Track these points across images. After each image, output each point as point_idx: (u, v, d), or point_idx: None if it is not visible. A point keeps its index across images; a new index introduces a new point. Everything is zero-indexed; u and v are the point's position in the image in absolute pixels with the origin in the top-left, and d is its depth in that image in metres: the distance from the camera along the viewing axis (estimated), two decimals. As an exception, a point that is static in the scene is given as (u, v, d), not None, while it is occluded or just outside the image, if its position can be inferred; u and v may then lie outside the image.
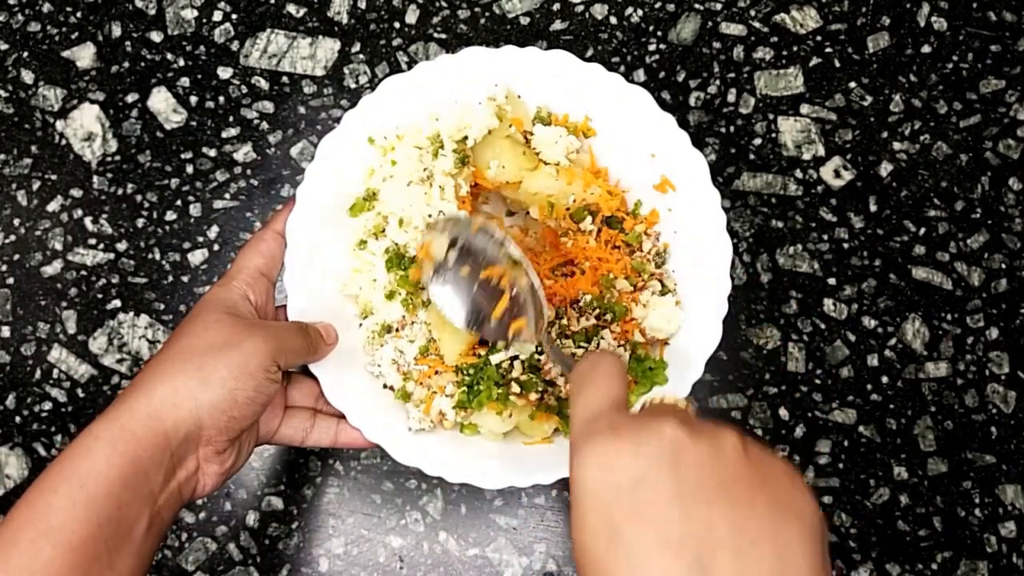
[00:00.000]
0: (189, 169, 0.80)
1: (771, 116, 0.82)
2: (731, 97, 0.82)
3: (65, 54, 0.82)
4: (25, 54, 0.82)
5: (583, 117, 0.70)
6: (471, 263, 0.61)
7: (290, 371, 0.65)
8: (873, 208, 0.80)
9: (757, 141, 0.81)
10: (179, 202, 0.80)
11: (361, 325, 0.66)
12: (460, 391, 0.64)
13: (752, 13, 0.84)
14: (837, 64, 0.83)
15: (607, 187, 0.69)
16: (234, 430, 0.55)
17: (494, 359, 0.63)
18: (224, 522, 0.74)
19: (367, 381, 0.66)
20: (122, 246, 0.79)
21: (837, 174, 0.81)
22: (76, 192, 0.80)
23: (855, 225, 0.80)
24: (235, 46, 0.82)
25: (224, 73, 0.82)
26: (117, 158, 0.80)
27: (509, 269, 0.60)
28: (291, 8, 0.83)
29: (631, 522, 0.38)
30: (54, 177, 0.80)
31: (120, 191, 0.80)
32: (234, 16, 0.83)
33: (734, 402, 0.77)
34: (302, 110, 0.81)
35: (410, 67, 0.70)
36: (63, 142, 0.81)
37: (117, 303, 0.78)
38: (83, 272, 0.78)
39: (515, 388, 0.63)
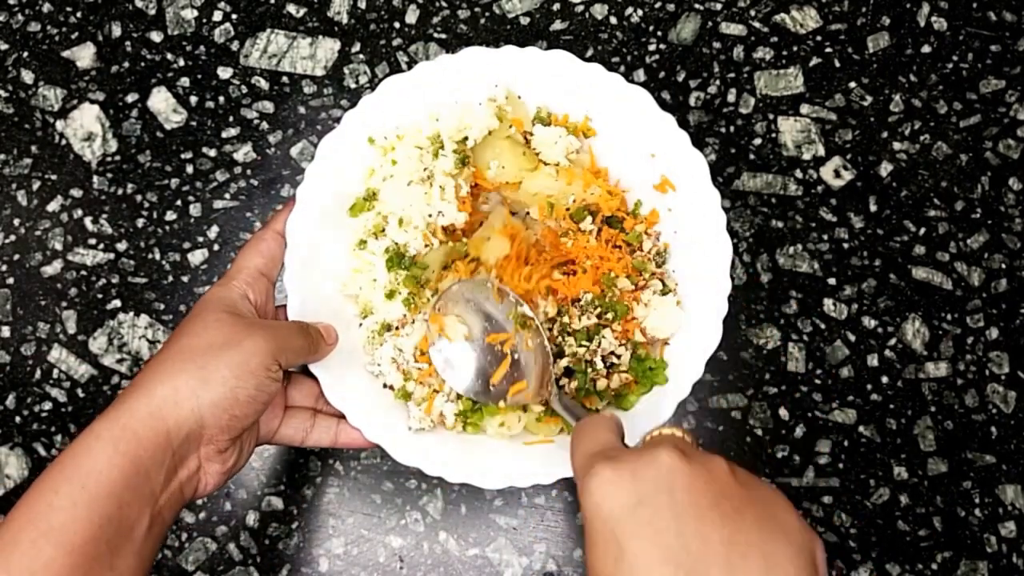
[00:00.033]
0: (189, 169, 0.80)
1: (771, 116, 0.82)
2: (731, 97, 0.82)
3: (65, 54, 0.82)
4: (25, 54, 0.82)
5: (583, 117, 0.70)
6: (480, 327, 0.63)
7: (290, 371, 0.65)
8: (873, 208, 0.80)
9: (757, 141, 0.81)
10: (179, 202, 0.80)
11: (361, 325, 0.66)
12: (464, 401, 0.64)
13: (752, 13, 0.84)
14: (837, 64, 0.83)
15: (607, 187, 0.69)
16: (235, 429, 0.55)
17: (489, 430, 0.65)
18: (224, 522, 0.74)
19: (367, 381, 0.66)
20: (122, 246, 0.79)
21: (837, 174, 0.81)
22: (76, 192, 0.80)
23: (855, 225, 0.80)
24: (235, 46, 0.82)
25: (224, 73, 0.82)
26: (117, 158, 0.80)
27: (516, 331, 0.63)
28: (291, 8, 0.83)
29: (634, 540, 0.42)
30: (54, 177, 0.80)
31: (120, 191, 0.80)
32: (234, 16, 0.83)
33: (734, 402, 0.77)
34: (302, 110, 0.81)
35: (410, 67, 0.70)
36: (63, 142, 0.81)
37: (117, 303, 0.78)
38: (83, 272, 0.78)
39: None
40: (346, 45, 0.83)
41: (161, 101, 0.81)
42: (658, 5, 0.84)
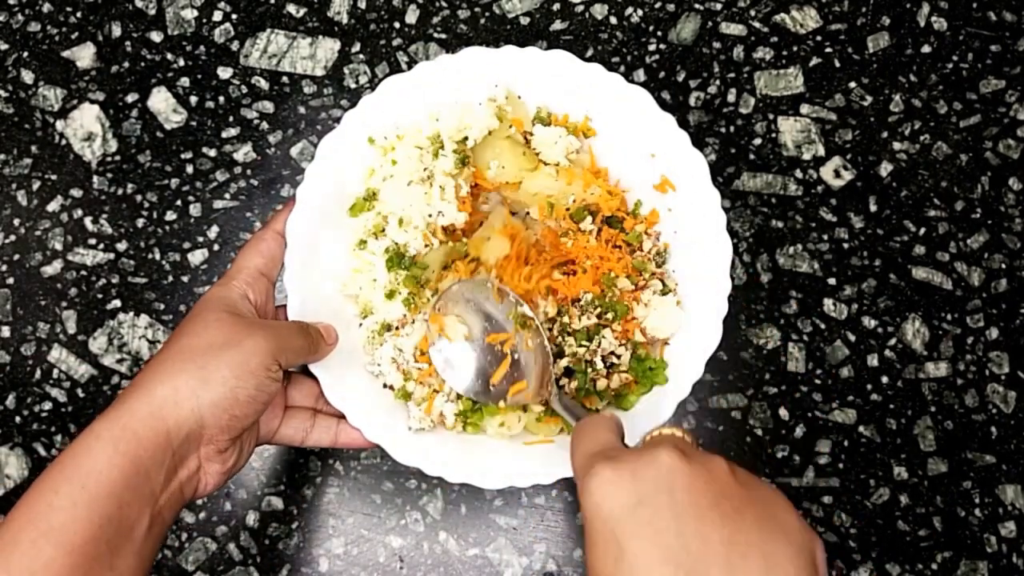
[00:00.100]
0: (189, 169, 0.80)
1: (771, 116, 0.82)
2: (731, 97, 0.82)
3: (65, 54, 0.82)
4: (25, 54, 0.82)
5: (583, 117, 0.70)
6: (480, 327, 0.63)
7: (290, 371, 0.65)
8: (873, 208, 0.80)
9: (757, 141, 0.81)
10: (179, 202, 0.80)
11: (361, 325, 0.66)
12: (464, 401, 0.64)
13: (752, 13, 0.84)
14: (837, 64, 0.83)
15: (607, 187, 0.69)
16: (236, 429, 0.55)
17: (489, 430, 0.65)
18: (224, 522, 0.74)
19: (367, 381, 0.66)
20: (122, 246, 0.79)
21: (837, 174, 0.81)
22: (76, 192, 0.80)
23: (855, 225, 0.80)
24: (235, 46, 0.82)
25: (224, 73, 0.82)
26: (117, 158, 0.80)
27: (516, 331, 0.63)
28: (291, 8, 0.83)
29: (634, 540, 0.42)
30: (54, 177, 0.80)
31: (120, 191, 0.80)
32: (234, 16, 0.83)
33: (734, 402, 0.77)
34: (302, 110, 0.81)
35: (410, 67, 0.70)
36: (63, 142, 0.81)
37: (117, 303, 0.78)
38: (83, 272, 0.78)
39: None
40: (346, 45, 0.83)
41: (161, 101, 0.81)
42: (658, 5, 0.84)
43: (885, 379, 0.77)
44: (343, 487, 0.75)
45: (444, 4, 0.83)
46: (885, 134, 0.82)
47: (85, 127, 0.81)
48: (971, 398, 0.77)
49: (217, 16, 0.83)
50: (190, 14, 0.83)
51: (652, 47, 0.83)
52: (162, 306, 0.78)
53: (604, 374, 0.65)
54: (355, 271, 0.67)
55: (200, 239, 0.79)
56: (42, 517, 0.48)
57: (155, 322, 0.78)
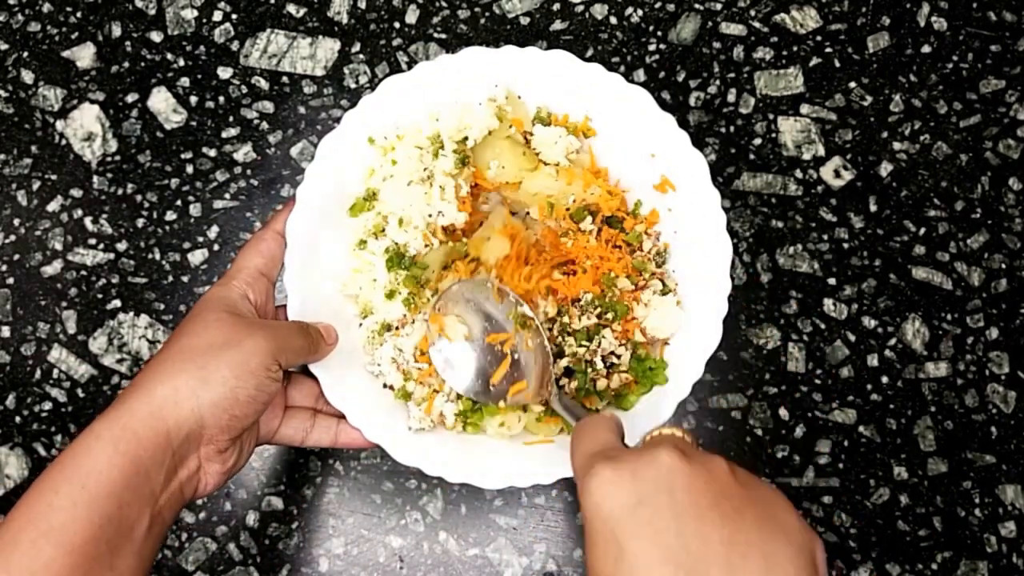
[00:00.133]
0: (189, 169, 0.80)
1: (771, 116, 0.82)
2: (731, 97, 0.82)
3: (65, 54, 0.82)
4: (25, 54, 0.82)
5: (583, 117, 0.70)
6: (480, 327, 0.64)
7: (290, 371, 0.65)
8: (873, 208, 0.80)
9: (757, 141, 0.81)
10: (179, 202, 0.80)
11: (361, 325, 0.66)
12: (464, 401, 0.64)
13: (752, 13, 0.84)
14: (837, 64, 0.83)
15: (607, 187, 0.69)
16: (236, 429, 0.55)
17: (489, 430, 0.65)
18: (224, 522, 0.74)
19: (367, 381, 0.66)
20: (122, 246, 0.79)
21: (837, 174, 0.81)
22: (76, 192, 0.80)
23: (855, 225, 0.80)
24: (235, 46, 0.82)
25: (224, 73, 0.82)
26: (117, 158, 0.80)
27: (516, 331, 0.63)
28: (291, 8, 0.83)
29: (634, 540, 0.42)
30: (54, 177, 0.80)
31: (120, 191, 0.80)
32: (234, 16, 0.83)
33: (734, 402, 0.77)
34: (302, 110, 0.81)
35: (410, 67, 0.70)
36: (63, 142, 0.81)
37: (117, 303, 0.78)
38: (83, 272, 0.78)
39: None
40: (346, 45, 0.83)
41: (161, 101, 0.81)
42: (658, 5, 0.84)
43: (885, 379, 0.77)
44: (343, 487, 0.75)
45: (444, 4, 0.83)
46: (885, 134, 0.82)
47: (85, 127, 0.81)
48: (971, 398, 0.77)
49: (217, 16, 0.83)
50: (190, 14, 0.83)
51: (652, 47, 0.83)
52: (162, 306, 0.78)
53: (604, 374, 0.65)
54: (355, 271, 0.67)
55: (200, 239, 0.79)
56: (42, 517, 0.48)
57: (155, 322, 0.78)
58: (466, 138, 0.67)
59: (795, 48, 0.83)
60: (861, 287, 0.79)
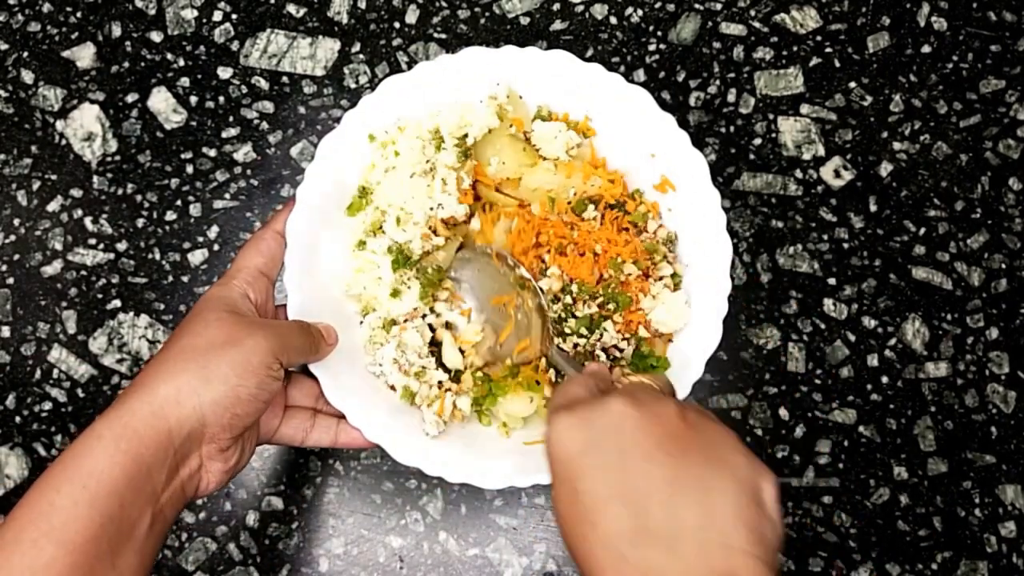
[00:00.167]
0: (189, 169, 0.80)
1: (771, 116, 0.82)
2: (731, 97, 0.82)
3: (65, 54, 0.82)
4: (25, 54, 0.82)
5: (583, 117, 0.70)
6: (485, 290, 0.66)
7: (290, 371, 0.65)
8: (873, 208, 0.80)
9: (757, 141, 0.81)
10: (179, 202, 0.80)
11: (362, 322, 0.66)
12: (476, 385, 0.64)
13: (752, 13, 0.84)
14: (837, 64, 0.83)
15: (607, 175, 0.69)
16: (237, 427, 0.55)
17: (501, 414, 0.66)
18: (224, 522, 0.74)
19: (367, 381, 0.66)
20: (122, 246, 0.79)
21: (837, 174, 0.81)
22: (76, 192, 0.80)
23: (855, 225, 0.80)
24: (235, 46, 0.82)
25: (224, 73, 0.82)
26: (117, 158, 0.80)
27: (517, 292, 0.65)
28: (291, 8, 0.83)
29: (585, 480, 0.46)
30: (54, 177, 0.80)
31: (120, 191, 0.80)
32: (234, 16, 0.83)
33: (734, 402, 0.77)
34: (302, 110, 0.81)
35: (410, 67, 0.70)
36: (63, 142, 0.81)
37: (117, 303, 0.78)
38: (83, 272, 0.78)
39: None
40: (346, 45, 0.83)
41: (161, 101, 0.81)
42: (658, 5, 0.84)
43: (885, 379, 0.77)
44: (343, 487, 0.75)
45: (444, 4, 0.83)
46: (885, 134, 0.82)
47: (85, 127, 0.81)
48: (971, 398, 0.77)
49: (217, 16, 0.83)
50: (190, 14, 0.83)
51: (652, 47, 0.83)
52: (162, 306, 0.78)
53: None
54: (358, 271, 0.67)
55: (200, 239, 0.79)
56: (44, 516, 0.48)
57: (155, 322, 0.78)
58: (466, 136, 0.67)
59: (795, 48, 0.83)
60: (861, 287, 0.79)
